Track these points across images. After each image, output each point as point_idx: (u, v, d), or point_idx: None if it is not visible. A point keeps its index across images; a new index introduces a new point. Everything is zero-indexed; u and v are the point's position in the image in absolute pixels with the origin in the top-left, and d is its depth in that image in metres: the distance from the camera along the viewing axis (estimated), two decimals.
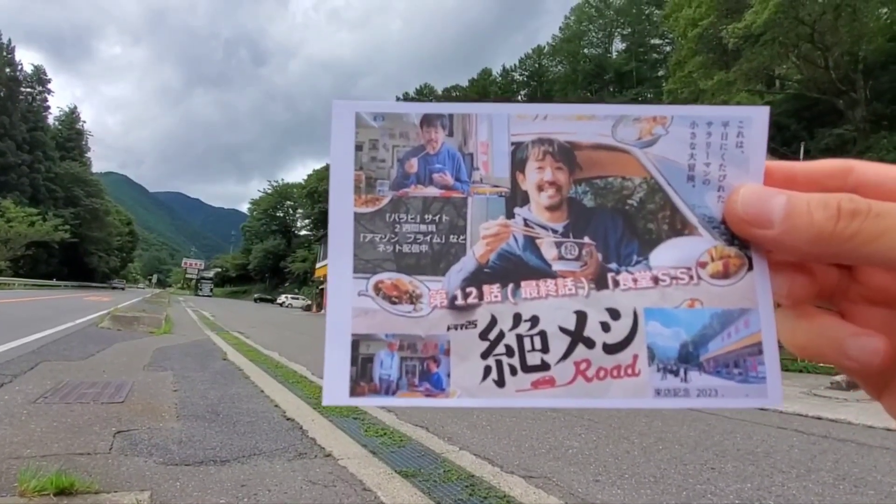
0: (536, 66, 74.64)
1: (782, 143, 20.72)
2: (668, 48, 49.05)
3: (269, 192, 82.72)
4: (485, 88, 76.23)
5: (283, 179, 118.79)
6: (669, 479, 3.31)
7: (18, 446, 3.24)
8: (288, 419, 4.51)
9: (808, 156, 13.33)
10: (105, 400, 4.66)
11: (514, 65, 79.13)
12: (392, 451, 3.60)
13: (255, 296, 68.22)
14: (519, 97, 76.21)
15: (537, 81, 73.34)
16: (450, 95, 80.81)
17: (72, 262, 70.53)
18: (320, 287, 46.29)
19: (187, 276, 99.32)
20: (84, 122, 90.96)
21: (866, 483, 3.43)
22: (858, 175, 0.30)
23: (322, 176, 73.04)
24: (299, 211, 79.85)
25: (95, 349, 7.87)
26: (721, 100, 19.68)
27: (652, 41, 59.04)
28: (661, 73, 50.04)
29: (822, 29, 18.70)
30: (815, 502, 3.04)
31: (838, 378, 7.77)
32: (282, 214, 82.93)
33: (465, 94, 78.25)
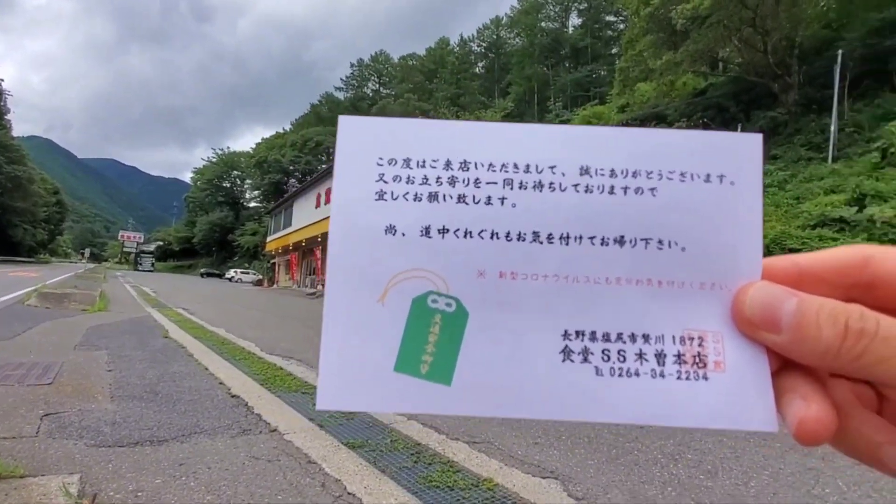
0: (495, 37, 73.77)
1: (722, 124, 21.84)
2: (622, 26, 49.74)
3: (215, 160, 78.03)
4: (442, 58, 74.65)
5: (228, 148, 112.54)
6: (602, 439, 3.56)
7: None
8: (233, 396, 4.42)
9: None
10: (32, 382, 4.36)
11: (473, 35, 77.77)
12: (340, 425, 3.63)
13: (202, 270, 65.15)
14: (476, 69, 75.30)
15: (495, 53, 72.62)
16: (406, 64, 78.59)
17: None
18: (272, 261, 44.90)
19: (125, 249, 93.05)
20: (2, 80, 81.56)
21: (774, 436, 3.84)
22: (875, 269, 0.28)
23: (272, 145, 69.74)
24: (248, 181, 76.07)
25: (21, 328, 7.30)
26: (668, 80, 20.35)
27: (607, 18, 59.66)
28: (614, 50, 50.82)
29: (763, 13, 19.57)
30: (727, 455, 3.37)
31: None
32: (228, 185, 78.72)
33: (421, 63, 76.36)
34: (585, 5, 61.36)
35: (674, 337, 0.32)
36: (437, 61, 74.85)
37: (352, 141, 0.35)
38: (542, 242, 0.33)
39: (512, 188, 0.34)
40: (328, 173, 26.86)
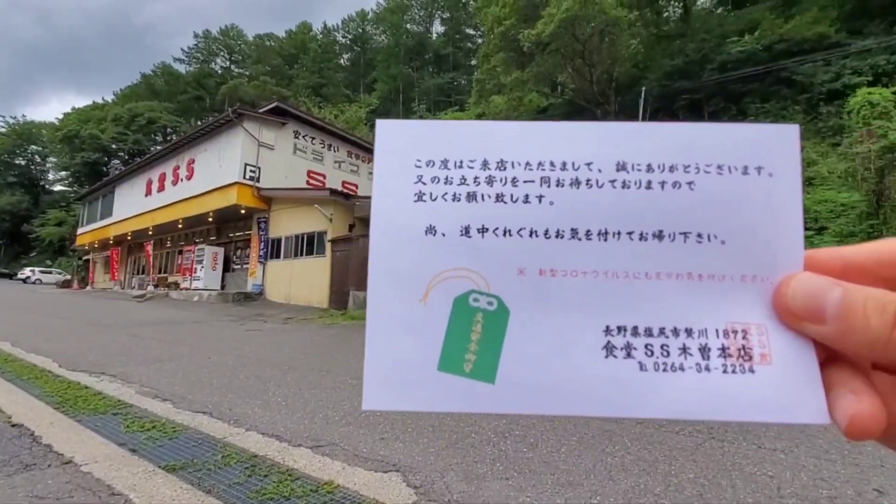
0: (360, 31, 72.52)
1: None
2: (479, 40, 53.28)
3: (4, 131, 61.52)
4: (304, 44, 70.66)
5: (24, 116, 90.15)
6: (444, 427, 3.79)
7: None
8: (14, 426, 3.56)
9: None
10: None
11: (337, 25, 75.32)
12: (159, 446, 3.19)
13: None
14: (341, 60, 73.14)
15: (361, 47, 71.44)
16: (262, 44, 72.48)
17: None
18: (84, 258, 37.19)
19: None
20: None
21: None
22: None
23: (87, 117, 57.79)
24: (51, 160, 61.74)
25: None
26: (516, 96, 22.55)
27: (468, 30, 63.30)
28: (473, 61, 54.20)
29: (590, 48, 22.95)
30: (546, 427, 3.88)
31: None
32: (23, 162, 62.91)
33: (280, 45, 71.24)
34: (448, 15, 64.22)
35: (717, 330, 0.32)
36: (298, 46, 70.55)
37: (390, 144, 0.35)
38: (580, 239, 0.33)
39: (549, 186, 0.34)
40: (163, 156, 23.24)
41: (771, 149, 0.33)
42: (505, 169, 0.35)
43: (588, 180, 0.34)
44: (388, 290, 0.33)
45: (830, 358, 0.30)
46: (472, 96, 33.71)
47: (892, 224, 13.75)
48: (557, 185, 0.34)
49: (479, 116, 33.79)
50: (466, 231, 0.34)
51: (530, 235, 0.34)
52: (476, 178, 0.35)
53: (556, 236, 0.33)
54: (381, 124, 0.36)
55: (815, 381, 0.30)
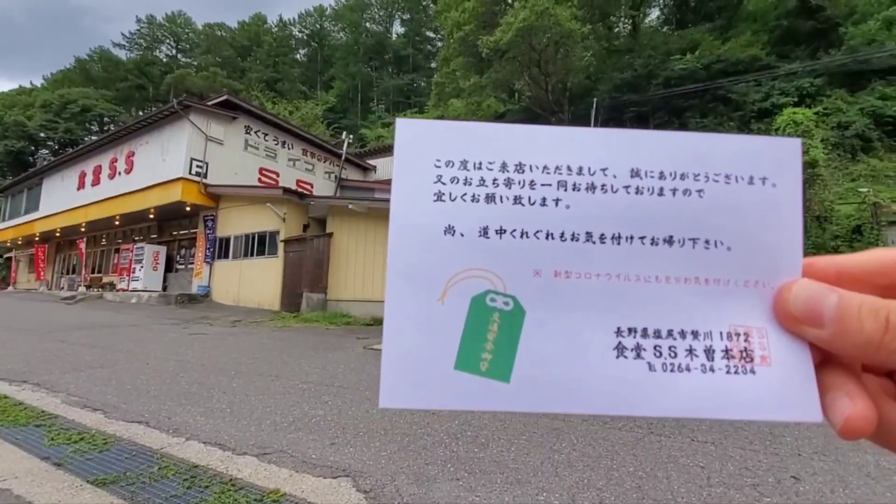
0: (318, 26, 70.91)
1: None
2: (440, 43, 53.59)
3: None
4: (258, 36, 68.19)
5: None
6: (396, 429, 3.78)
7: None
8: None
9: None
10: None
11: (293, 18, 73.28)
12: (88, 459, 2.97)
13: None
14: (297, 55, 71.17)
15: (318, 43, 69.85)
16: (213, 34, 69.32)
17: None
18: (6, 256, 33.97)
19: None
20: None
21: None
22: None
23: (12, 102, 52.96)
24: None
25: None
26: (475, 100, 22.88)
27: (428, 33, 63.46)
28: (433, 64, 54.43)
29: (546, 58, 23.64)
30: (497, 426, 3.96)
31: None
32: None
33: (232, 36, 68.41)
34: (409, 16, 64.11)
35: (721, 333, 0.33)
36: (251, 38, 67.94)
37: (410, 143, 0.35)
38: (594, 242, 0.34)
39: (566, 190, 0.35)
40: (100, 147, 21.64)
41: (775, 160, 0.35)
42: (523, 172, 0.35)
43: (603, 185, 0.35)
44: (407, 288, 0.34)
45: (825, 360, 0.32)
46: (431, 99, 33.84)
47: (812, 234, 15.09)
48: (574, 189, 0.35)
49: (439, 118, 33.91)
50: (485, 232, 0.34)
51: (546, 238, 0.34)
52: (495, 179, 0.35)
53: (572, 239, 0.34)
54: (402, 123, 0.36)
55: (811, 382, 0.31)
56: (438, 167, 0.35)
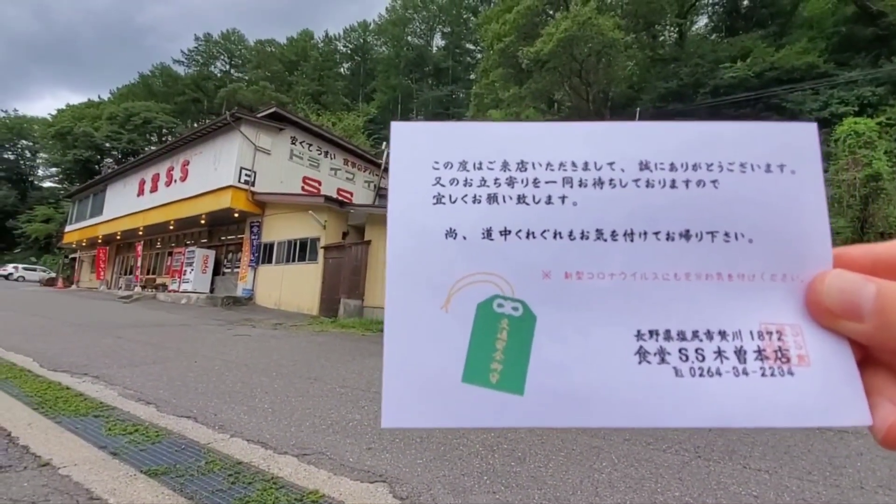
0: (362, 41, 73.21)
1: None
2: (479, 55, 54.02)
3: None
4: (304, 51, 71.12)
5: (16, 110, 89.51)
6: (433, 438, 3.76)
7: None
8: None
9: None
10: None
11: (339, 34, 76.04)
12: (141, 450, 3.13)
13: None
14: (342, 69, 73.61)
15: (361, 57, 72.05)
16: (263, 50, 72.82)
17: None
18: (71, 256, 36.65)
19: None
20: None
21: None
22: None
23: (81, 114, 57.39)
24: (41, 156, 61.06)
25: None
26: (514, 111, 22.88)
27: (467, 45, 64.16)
28: (472, 76, 54.86)
29: (587, 68, 23.35)
30: (535, 441, 3.87)
31: None
32: (13, 157, 62.09)
33: (281, 52, 71.61)
34: (449, 29, 65.10)
35: (751, 332, 0.31)
36: (298, 53, 70.94)
37: (406, 146, 0.34)
38: (605, 240, 0.32)
39: (572, 186, 0.33)
40: (158, 156, 23.09)
41: (791, 146, 0.32)
42: (526, 170, 0.34)
43: (611, 180, 0.33)
44: (408, 297, 0.31)
45: (864, 360, 0.29)
46: (469, 110, 34.08)
47: None
48: (580, 186, 0.33)
49: None
50: (488, 233, 0.33)
51: (554, 237, 0.32)
52: (496, 179, 0.34)
53: (581, 238, 0.32)
54: (397, 126, 0.35)
55: (856, 381, 0.29)
56: (437, 169, 0.34)
